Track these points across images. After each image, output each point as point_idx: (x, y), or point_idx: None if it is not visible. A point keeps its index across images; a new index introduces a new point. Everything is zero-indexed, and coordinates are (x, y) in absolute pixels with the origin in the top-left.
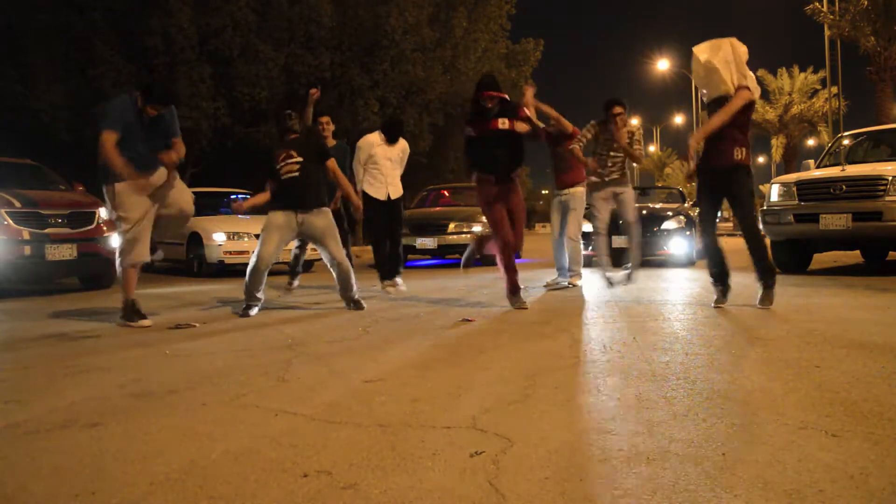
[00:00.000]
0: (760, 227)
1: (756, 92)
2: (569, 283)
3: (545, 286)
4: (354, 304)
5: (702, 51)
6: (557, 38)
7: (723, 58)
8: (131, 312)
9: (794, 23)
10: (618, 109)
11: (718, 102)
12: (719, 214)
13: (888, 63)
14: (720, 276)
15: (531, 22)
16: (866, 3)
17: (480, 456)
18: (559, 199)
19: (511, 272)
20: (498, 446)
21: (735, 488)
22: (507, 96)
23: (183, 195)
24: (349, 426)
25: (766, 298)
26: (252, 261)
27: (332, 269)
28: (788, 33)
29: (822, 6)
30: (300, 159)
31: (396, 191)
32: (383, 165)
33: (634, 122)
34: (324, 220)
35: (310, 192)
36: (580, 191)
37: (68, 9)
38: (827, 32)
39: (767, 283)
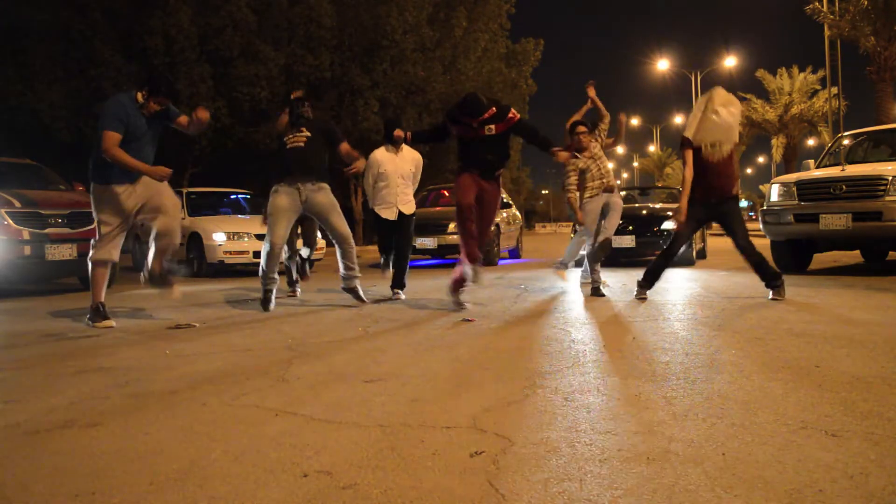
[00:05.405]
0: (760, 226)
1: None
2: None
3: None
4: (354, 296)
5: (723, 99)
6: (557, 38)
7: (731, 120)
8: (96, 314)
9: (794, 23)
10: (581, 129)
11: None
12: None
13: (888, 63)
14: (654, 279)
15: (531, 22)
16: (866, 3)
17: (480, 456)
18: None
19: (470, 246)
20: (498, 446)
21: (735, 488)
22: (494, 110)
23: (164, 197)
24: (349, 426)
25: (779, 295)
26: (265, 247)
27: (337, 246)
28: (788, 33)
29: (822, 6)
30: (308, 134)
31: (408, 207)
32: (393, 182)
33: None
34: (326, 196)
35: (311, 164)
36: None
37: (68, 9)
38: (827, 32)
39: (776, 285)
